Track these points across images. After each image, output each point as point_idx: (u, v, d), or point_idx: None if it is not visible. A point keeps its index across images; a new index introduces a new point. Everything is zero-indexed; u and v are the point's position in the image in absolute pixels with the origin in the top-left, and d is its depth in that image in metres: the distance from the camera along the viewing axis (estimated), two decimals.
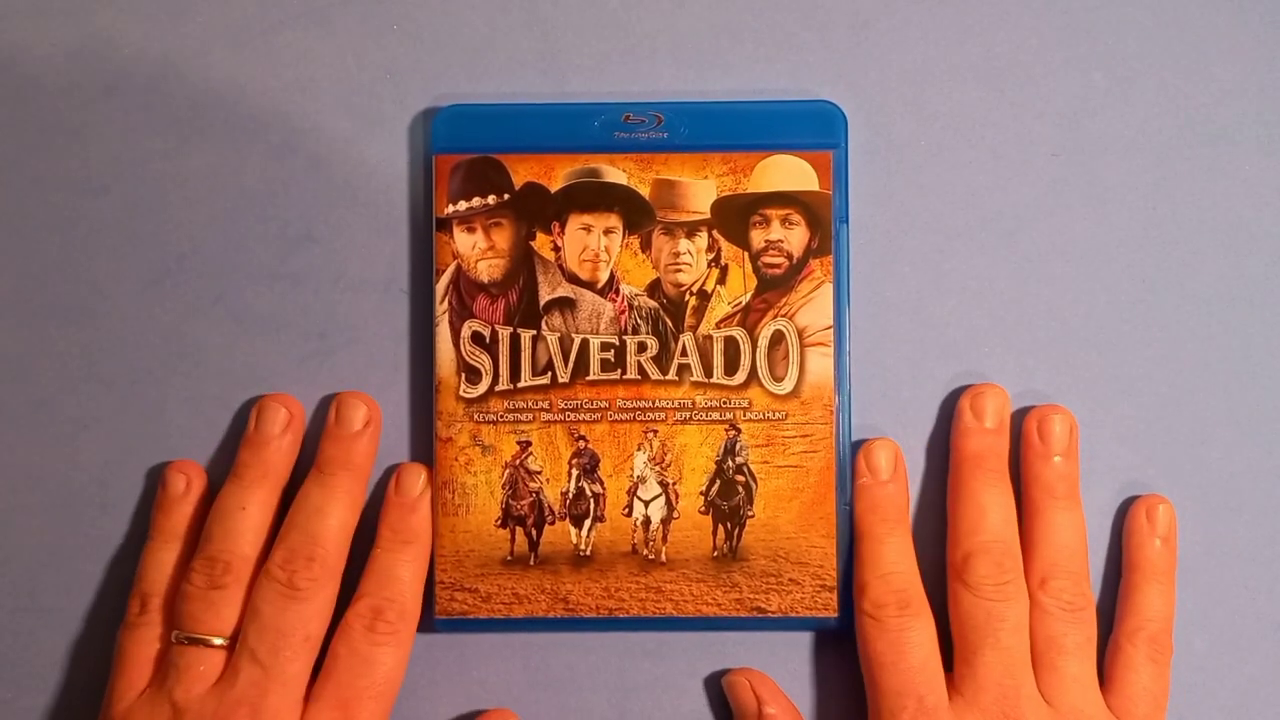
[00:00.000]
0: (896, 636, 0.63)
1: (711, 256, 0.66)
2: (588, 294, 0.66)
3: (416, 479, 0.66)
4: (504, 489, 0.66)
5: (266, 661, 0.62)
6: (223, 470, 0.66)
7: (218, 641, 0.63)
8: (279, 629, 0.63)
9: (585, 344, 0.66)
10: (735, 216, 0.66)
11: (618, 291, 0.66)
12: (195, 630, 0.63)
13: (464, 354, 0.66)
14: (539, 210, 0.66)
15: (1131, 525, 0.66)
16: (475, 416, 0.66)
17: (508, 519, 0.66)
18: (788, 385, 0.65)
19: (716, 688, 0.67)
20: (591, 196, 0.66)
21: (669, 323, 0.66)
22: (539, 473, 0.66)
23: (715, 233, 0.66)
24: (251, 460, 0.65)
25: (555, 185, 0.66)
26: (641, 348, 0.66)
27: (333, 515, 0.64)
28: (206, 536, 0.65)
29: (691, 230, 0.66)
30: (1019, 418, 0.67)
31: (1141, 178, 0.67)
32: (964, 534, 0.65)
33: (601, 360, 0.66)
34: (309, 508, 0.65)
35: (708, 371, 0.66)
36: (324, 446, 0.66)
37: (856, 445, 0.66)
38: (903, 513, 0.66)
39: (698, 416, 0.66)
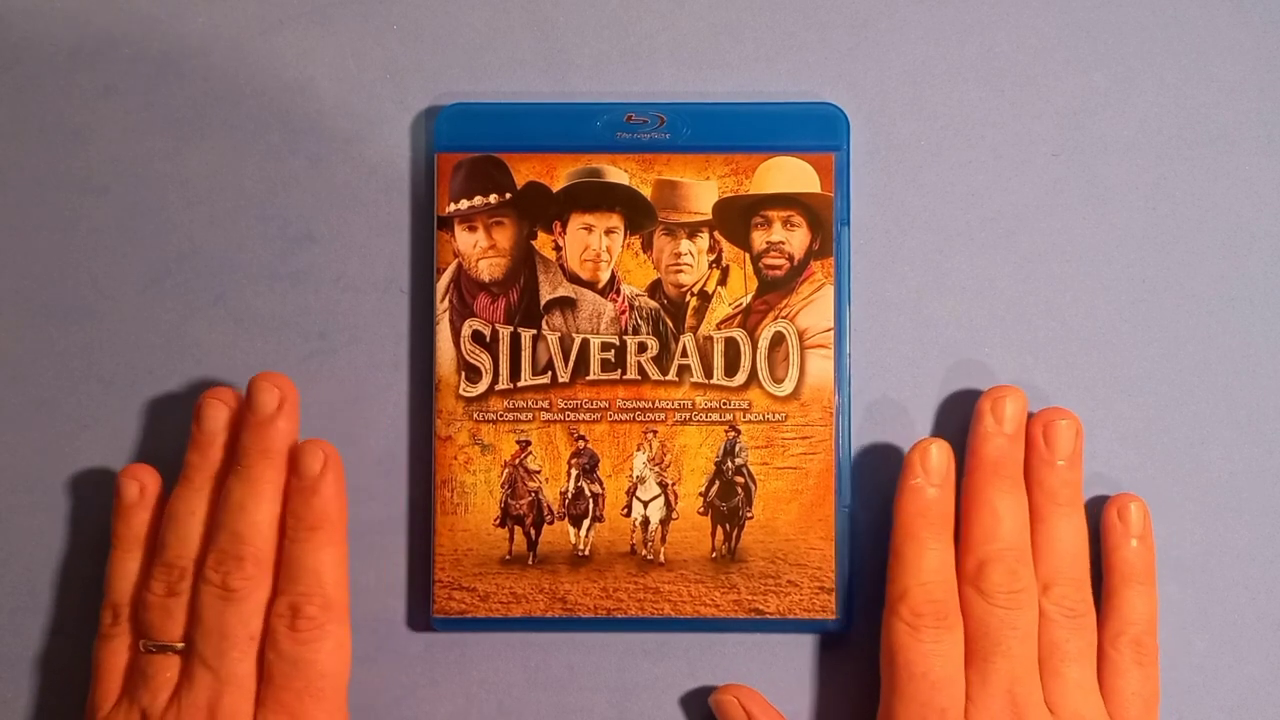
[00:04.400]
0: (930, 648, 0.62)
1: (713, 257, 0.66)
2: (588, 294, 0.66)
3: (314, 459, 0.63)
4: (503, 488, 0.66)
5: (214, 664, 0.62)
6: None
7: (180, 647, 0.63)
8: (221, 631, 0.62)
9: (585, 344, 0.66)
10: (737, 218, 0.66)
11: (618, 292, 0.66)
12: (158, 638, 0.63)
13: (464, 352, 0.66)
14: (541, 209, 0.66)
15: (1105, 527, 0.66)
16: (475, 415, 0.66)
17: (506, 518, 0.66)
18: (788, 387, 0.65)
19: (716, 689, 0.67)
20: (593, 196, 0.66)
21: (669, 323, 0.66)
22: (538, 472, 0.66)
23: (716, 234, 0.66)
24: (198, 462, 0.64)
25: (557, 185, 0.66)
26: (642, 348, 0.66)
27: (257, 510, 0.63)
28: (161, 543, 0.64)
29: (693, 231, 0.66)
30: None
31: (1141, 178, 0.67)
32: (978, 540, 0.64)
33: (602, 360, 0.66)
34: (233, 505, 0.63)
35: (708, 372, 0.66)
36: (241, 436, 0.64)
37: (856, 449, 0.66)
38: (949, 519, 0.64)
39: (697, 417, 0.66)
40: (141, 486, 0.65)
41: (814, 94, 0.67)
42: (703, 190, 0.66)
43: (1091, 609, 0.64)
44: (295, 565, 0.63)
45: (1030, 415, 0.66)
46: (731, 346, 0.66)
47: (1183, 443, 0.67)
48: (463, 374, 0.66)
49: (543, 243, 0.66)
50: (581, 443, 0.66)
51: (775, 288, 0.66)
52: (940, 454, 0.64)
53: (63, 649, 0.67)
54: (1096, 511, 0.66)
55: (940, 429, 0.67)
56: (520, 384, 0.66)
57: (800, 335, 0.65)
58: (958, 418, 0.67)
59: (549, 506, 0.66)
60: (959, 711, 0.62)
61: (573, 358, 0.66)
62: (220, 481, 0.64)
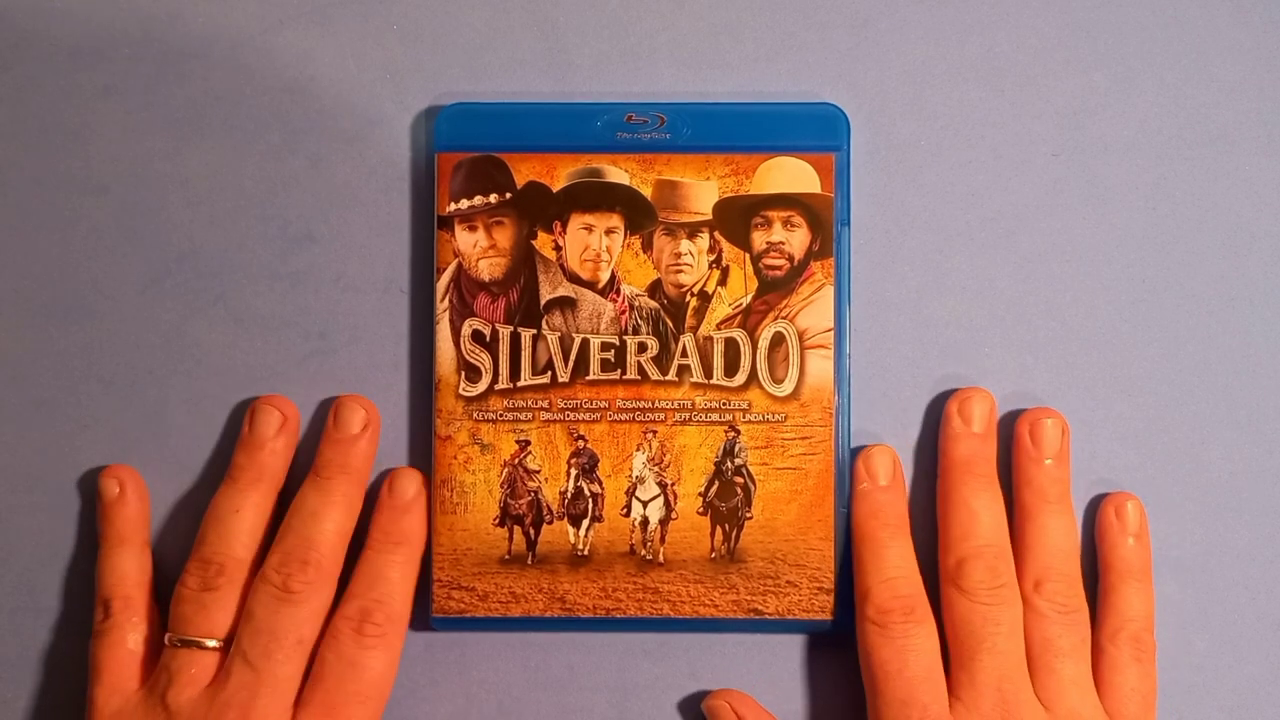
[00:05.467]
0: (901, 644, 0.63)
1: (713, 258, 0.66)
2: (588, 294, 0.66)
3: (411, 483, 0.66)
4: (502, 488, 0.66)
5: (258, 664, 0.62)
6: (222, 470, 0.66)
7: (210, 644, 0.63)
8: (272, 632, 0.63)
9: (585, 344, 0.66)
10: (737, 218, 0.66)
11: (618, 291, 0.66)
12: (188, 633, 0.63)
13: (464, 352, 0.66)
14: (541, 209, 0.66)
15: (1102, 524, 0.66)
16: (475, 415, 0.66)
17: (506, 518, 0.66)
18: (787, 387, 0.65)
19: (715, 689, 0.67)
20: (593, 196, 0.66)
21: (669, 323, 0.66)
22: (538, 472, 0.66)
23: (717, 234, 0.66)
24: (246, 463, 0.65)
25: (557, 184, 0.66)
26: (642, 348, 0.66)
27: (329, 519, 0.64)
28: (201, 538, 0.65)
29: (693, 231, 0.66)
30: (1014, 419, 0.66)
31: (1141, 178, 0.67)
32: (956, 539, 0.65)
33: (601, 360, 0.66)
34: (305, 511, 0.64)
35: (708, 372, 0.66)
36: (322, 449, 0.66)
37: (856, 450, 0.66)
38: (903, 518, 0.66)
39: (697, 417, 0.66)
40: (120, 483, 0.66)
41: (814, 94, 0.67)
42: (703, 190, 0.66)
43: (1084, 605, 0.65)
44: (374, 573, 0.64)
45: (1018, 415, 0.66)
46: (731, 347, 0.66)
47: (1183, 443, 0.67)
48: (462, 374, 0.66)
49: (543, 242, 0.66)
50: (581, 443, 0.66)
51: (775, 288, 0.66)
52: (884, 456, 0.66)
53: (63, 649, 0.67)
54: (1094, 510, 0.66)
55: (939, 430, 0.67)
56: (520, 384, 0.66)
57: (800, 335, 0.65)
58: None
59: (548, 506, 0.66)
60: (943, 707, 0.62)
61: (572, 358, 0.66)
62: (264, 485, 0.65)
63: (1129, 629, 0.65)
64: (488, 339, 0.66)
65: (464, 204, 0.66)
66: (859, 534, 0.65)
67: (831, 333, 0.65)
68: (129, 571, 0.65)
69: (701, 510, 0.66)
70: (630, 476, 0.66)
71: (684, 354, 0.66)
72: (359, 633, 0.63)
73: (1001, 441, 0.67)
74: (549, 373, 0.66)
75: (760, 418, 0.65)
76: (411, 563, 0.65)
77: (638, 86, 0.67)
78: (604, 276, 0.66)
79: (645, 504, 0.66)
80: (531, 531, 0.66)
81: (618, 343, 0.66)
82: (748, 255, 0.66)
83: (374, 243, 0.67)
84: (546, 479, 0.66)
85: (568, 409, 0.66)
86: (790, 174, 0.66)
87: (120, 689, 0.64)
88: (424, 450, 0.67)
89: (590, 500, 0.66)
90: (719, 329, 0.66)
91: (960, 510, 0.65)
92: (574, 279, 0.66)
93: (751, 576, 0.65)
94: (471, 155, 0.66)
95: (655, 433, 0.66)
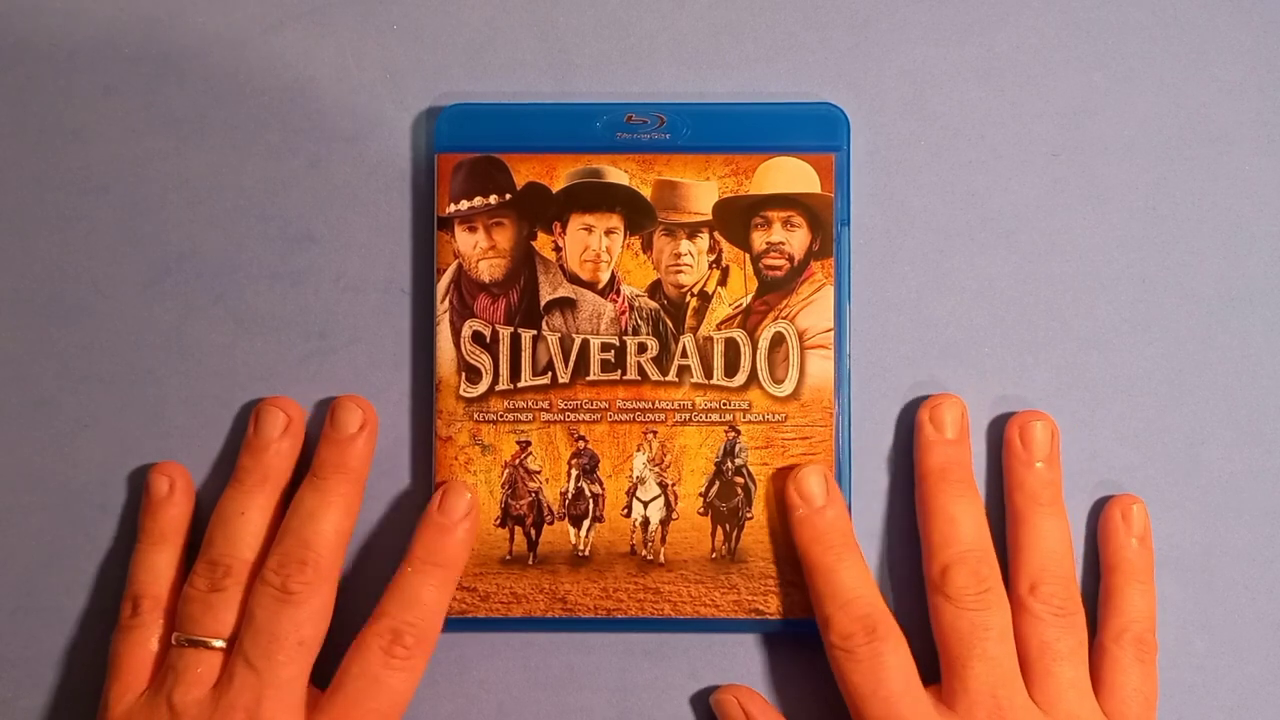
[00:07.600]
0: (871, 665, 0.62)
1: (713, 258, 0.66)
2: (588, 294, 0.66)
3: (461, 501, 0.65)
4: (503, 488, 0.66)
5: (260, 666, 0.62)
6: (223, 470, 0.66)
7: (217, 644, 0.63)
8: (272, 633, 0.62)
9: (585, 344, 0.66)
10: (737, 218, 0.66)
11: (618, 292, 0.66)
12: (195, 632, 0.63)
13: (464, 353, 0.66)
14: (541, 210, 0.66)
15: (1107, 526, 0.66)
16: (475, 416, 0.66)
17: (507, 518, 0.66)
18: (788, 387, 0.65)
19: (716, 689, 0.67)
20: (593, 197, 0.66)
21: (669, 324, 0.66)
22: (538, 472, 0.66)
23: (716, 234, 0.66)
24: (251, 465, 0.65)
25: (557, 185, 0.66)
26: (642, 348, 0.66)
27: (326, 520, 0.64)
28: (208, 541, 0.65)
29: (693, 231, 0.66)
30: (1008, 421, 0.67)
31: (1141, 178, 0.67)
32: (938, 547, 0.64)
33: (601, 361, 0.66)
34: (303, 512, 0.64)
35: (708, 373, 0.66)
36: (319, 450, 0.65)
37: (856, 449, 0.66)
38: (848, 536, 0.65)
39: (697, 418, 0.66)
40: (171, 483, 0.66)
41: (814, 94, 0.67)
42: (703, 190, 0.66)
43: (1080, 607, 0.65)
44: (410, 594, 0.63)
45: (1009, 418, 0.66)
46: (731, 347, 0.66)
47: (1183, 443, 0.67)
48: (463, 374, 0.66)
49: (543, 243, 0.66)
50: (581, 443, 0.66)
51: (775, 288, 0.66)
52: (814, 477, 0.65)
53: (63, 648, 0.67)
54: (1095, 512, 0.67)
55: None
56: (520, 384, 0.66)
57: (800, 335, 0.65)
58: None
59: (549, 507, 0.66)
60: (926, 718, 0.62)
61: (573, 358, 0.66)
62: (269, 487, 0.65)
63: (1133, 630, 0.64)
64: (488, 340, 0.66)
65: (464, 205, 0.66)
66: (806, 562, 0.64)
67: (831, 333, 0.65)
68: (163, 571, 0.65)
69: (702, 510, 0.66)
70: (631, 477, 0.66)
71: (684, 354, 0.66)
72: (387, 653, 0.63)
73: (993, 446, 0.67)
74: (549, 373, 0.66)
75: (760, 418, 0.65)
76: (448, 585, 0.64)
77: (638, 86, 0.67)
78: (604, 277, 0.66)
79: (646, 504, 0.66)
80: (532, 532, 0.66)
81: (618, 343, 0.66)
82: (748, 255, 0.66)
83: (374, 243, 0.67)
84: (547, 479, 0.66)
85: (568, 410, 0.66)
86: (790, 174, 0.66)
87: (134, 688, 0.64)
88: (425, 451, 0.67)
89: (591, 501, 0.66)
90: (719, 329, 0.66)
91: (939, 518, 0.65)
92: (574, 280, 0.66)
93: (752, 576, 0.65)
94: (471, 156, 0.66)
95: (655, 433, 0.66)
